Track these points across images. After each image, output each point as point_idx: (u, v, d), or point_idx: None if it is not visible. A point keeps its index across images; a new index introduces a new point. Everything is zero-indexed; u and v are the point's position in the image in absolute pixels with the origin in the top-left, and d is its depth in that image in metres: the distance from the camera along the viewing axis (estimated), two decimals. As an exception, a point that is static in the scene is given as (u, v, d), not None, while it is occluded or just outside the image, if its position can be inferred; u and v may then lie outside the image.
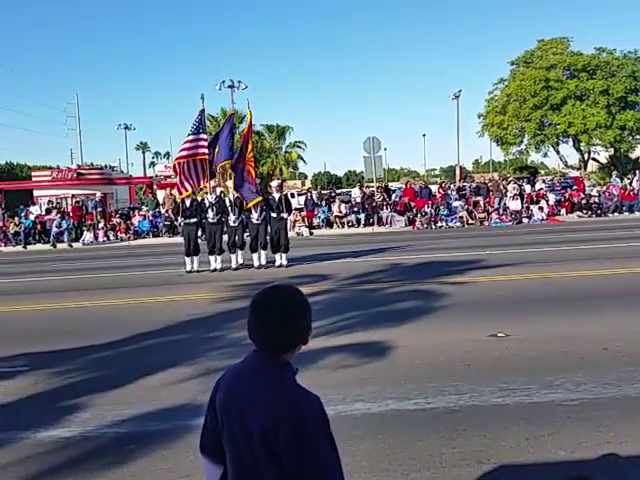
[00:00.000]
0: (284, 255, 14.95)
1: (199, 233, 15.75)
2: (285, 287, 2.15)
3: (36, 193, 38.36)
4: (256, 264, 14.80)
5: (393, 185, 38.83)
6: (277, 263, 14.82)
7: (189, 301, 10.95)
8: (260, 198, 14.77)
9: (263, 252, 14.99)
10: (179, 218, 15.60)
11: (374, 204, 28.15)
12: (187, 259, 14.80)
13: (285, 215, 15.14)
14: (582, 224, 23.92)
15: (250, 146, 14.95)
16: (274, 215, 14.87)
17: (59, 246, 25.80)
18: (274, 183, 16.26)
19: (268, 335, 2.02)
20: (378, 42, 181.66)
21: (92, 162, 56.34)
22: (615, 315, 8.18)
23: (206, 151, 14.73)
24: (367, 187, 31.44)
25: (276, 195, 15.19)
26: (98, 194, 30.56)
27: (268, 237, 15.05)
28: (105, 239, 26.66)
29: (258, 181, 15.62)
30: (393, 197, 30.53)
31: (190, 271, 14.64)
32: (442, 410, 5.19)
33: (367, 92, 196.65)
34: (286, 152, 42.77)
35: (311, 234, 25.88)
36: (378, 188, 30.06)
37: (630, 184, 29.67)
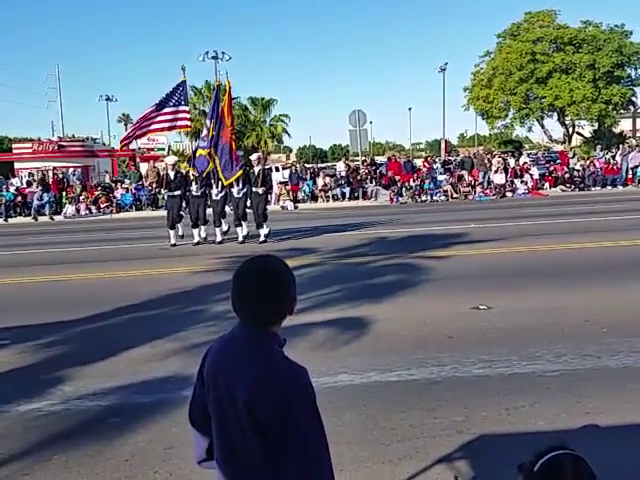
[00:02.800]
0: (261, 230, 14.71)
1: (183, 205, 15.60)
2: (267, 257, 2.12)
3: (17, 165, 37.81)
4: (240, 238, 14.72)
5: (379, 159, 38.69)
6: (261, 238, 14.69)
7: (173, 274, 10.90)
8: (240, 172, 14.49)
9: (245, 225, 14.89)
10: (162, 190, 15.40)
11: (359, 178, 28.09)
12: (171, 232, 14.72)
13: (260, 190, 14.77)
14: (565, 198, 24.07)
15: (230, 119, 14.66)
16: (254, 189, 14.70)
17: (40, 219, 25.55)
18: (254, 156, 15.77)
19: (251, 307, 1.99)
20: (365, 15, 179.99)
21: (74, 134, 55.61)
22: (597, 288, 8.27)
23: (188, 123, 14.57)
24: (352, 161, 31.34)
25: (256, 169, 14.96)
26: (70, 169, 30.17)
27: (251, 210, 14.94)
28: (87, 212, 26.40)
29: (241, 153, 15.27)
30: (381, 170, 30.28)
31: (175, 244, 14.56)
32: (424, 381, 5.24)
33: (353, 66, 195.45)
34: (271, 125, 42.43)
35: (296, 208, 25.81)
36: (364, 162, 29.97)
37: (613, 158, 29.82)
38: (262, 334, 2.00)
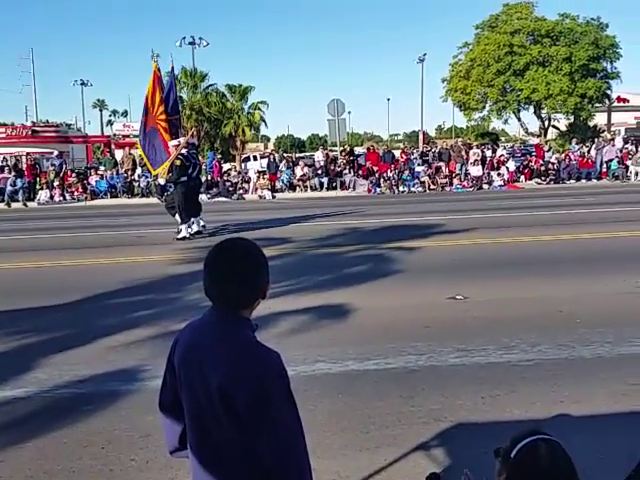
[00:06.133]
0: (181, 225, 13.62)
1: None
2: (238, 239, 2.10)
3: (-11, 151, 37.14)
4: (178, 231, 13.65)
5: (357, 150, 38.70)
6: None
7: (149, 262, 10.81)
8: (167, 164, 13.59)
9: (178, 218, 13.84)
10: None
11: (337, 168, 28.08)
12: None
13: (160, 180, 13.90)
14: (540, 191, 24.33)
15: (158, 105, 13.78)
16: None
17: (13, 205, 25.13)
18: (172, 142, 13.82)
19: (222, 291, 1.96)
20: (344, 5, 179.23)
21: (48, 119, 54.72)
22: (570, 279, 8.38)
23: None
24: (331, 151, 31.27)
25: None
26: (56, 152, 29.61)
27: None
28: (61, 199, 26.02)
29: (175, 142, 14.12)
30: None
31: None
32: (401, 370, 5.27)
33: (332, 55, 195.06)
34: (249, 113, 42.10)
35: (274, 197, 25.73)
36: (342, 152, 29.94)
37: (588, 152, 30.20)
38: (234, 319, 1.98)
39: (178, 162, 13.42)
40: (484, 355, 5.55)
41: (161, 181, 14.15)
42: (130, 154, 29.34)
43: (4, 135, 38.05)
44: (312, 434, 3.96)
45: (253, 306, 2.03)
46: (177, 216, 13.75)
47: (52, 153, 29.92)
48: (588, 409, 4.39)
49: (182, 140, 13.96)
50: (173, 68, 14.67)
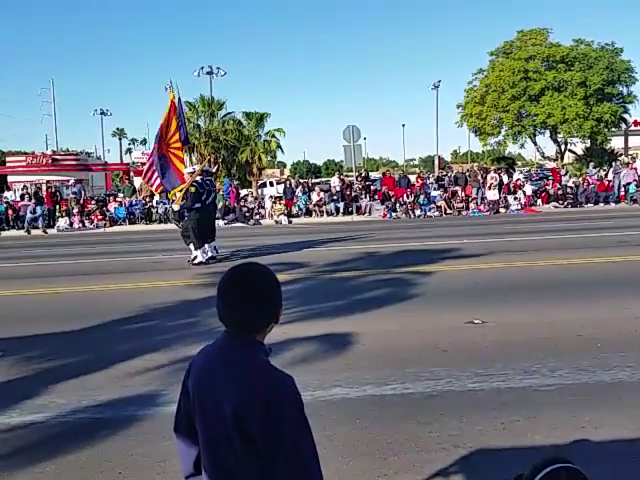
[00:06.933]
0: (196, 252, 13.71)
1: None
2: (251, 263, 2.11)
3: (10, 179, 37.74)
4: (192, 257, 13.78)
5: (373, 175, 38.83)
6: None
7: (165, 288, 10.86)
8: (177, 190, 13.75)
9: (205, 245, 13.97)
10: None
11: (353, 193, 28.17)
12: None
13: (174, 206, 13.98)
14: (558, 214, 24.18)
15: (172, 132, 13.91)
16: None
17: (33, 232, 25.44)
18: (187, 170, 14.32)
19: (234, 316, 1.98)
20: (360, 32, 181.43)
21: (68, 148, 55.58)
22: (589, 302, 8.29)
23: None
24: (346, 176, 31.40)
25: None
26: (72, 180, 30.04)
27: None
28: (80, 225, 26.33)
29: (190, 170, 14.19)
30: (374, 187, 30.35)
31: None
32: (419, 395, 5.22)
33: (348, 82, 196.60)
34: (265, 140, 42.48)
35: (290, 222, 25.83)
36: (358, 177, 30.06)
37: (606, 176, 30.03)
38: (247, 344, 1.98)
39: (193, 189, 13.55)
40: (503, 380, 5.48)
41: (175, 207, 14.29)
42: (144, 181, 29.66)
43: (25, 163, 38.69)
44: (330, 460, 3.95)
45: (266, 331, 2.04)
46: (191, 245, 13.83)
47: (78, 182, 30.33)
48: (609, 435, 4.31)
49: (197, 168, 14.11)
50: (180, 99, 14.70)
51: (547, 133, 43.20)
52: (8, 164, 40.71)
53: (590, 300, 8.43)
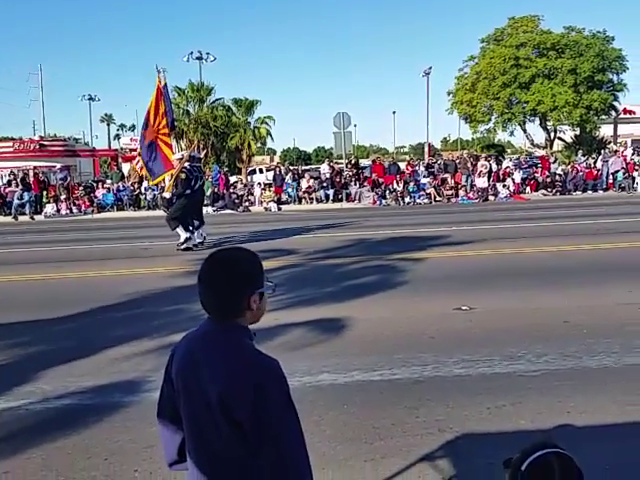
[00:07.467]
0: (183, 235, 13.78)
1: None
2: (231, 248, 2.11)
3: (-3, 165, 37.34)
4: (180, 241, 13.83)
5: (363, 162, 38.79)
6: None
7: (153, 274, 10.81)
8: (164, 176, 13.85)
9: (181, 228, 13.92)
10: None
11: (343, 180, 28.13)
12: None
13: (166, 194, 14.05)
14: (546, 202, 24.27)
15: (159, 118, 13.84)
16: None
17: (20, 218, 25.26)
18: (176, 156, 14.23)
19: (214, 301, 1.97)
20: (351, 19, 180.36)
21: (55, 134, 55.16)
22: (576, 289, 8.34)
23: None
24: (336, 163, 31.34)
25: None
26: (58, 165, 29.76)
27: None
28: (68, 212, 26.15)
29: (179, 156, 14.06)
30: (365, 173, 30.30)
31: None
32: (406, 381, 5.24)
33: (338, 69, 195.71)
34: (254, 127, 42.31)
35: (279, 209, 25.78)
36: (348, 164, 30.02)
37: (594, 164, 30.16)
38: (230, 328, 1.97)
39: (183, 175, 13.47)
40: (490, 366, 5.51)
41: (167, 195, 14.20)
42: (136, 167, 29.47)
43: (12, 149, 38.25)
44: (317, 444, 3.96)
45: (246, 315, 2.00)
46: (178, 229, 13.79)
47: (64, 167, 30.06)
48: (594, 420, 4.35)
49: (185, 154, 14.01)
50: (166, 84, 14.52)
51: (537, 121, 43.29)
52: (-5, 150, 40.28)
53: (577, 287, 8.48)
